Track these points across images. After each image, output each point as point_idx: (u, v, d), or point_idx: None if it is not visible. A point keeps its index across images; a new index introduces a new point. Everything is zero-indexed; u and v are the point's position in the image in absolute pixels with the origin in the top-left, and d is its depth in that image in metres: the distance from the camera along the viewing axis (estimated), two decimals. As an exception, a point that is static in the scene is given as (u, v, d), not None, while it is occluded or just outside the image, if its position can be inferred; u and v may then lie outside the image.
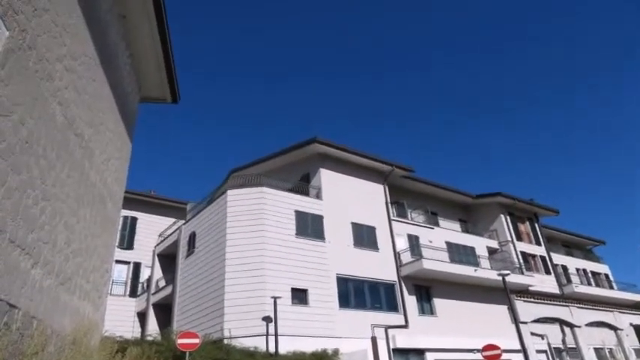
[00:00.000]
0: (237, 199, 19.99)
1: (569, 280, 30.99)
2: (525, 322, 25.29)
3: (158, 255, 25.57)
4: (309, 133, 70.00)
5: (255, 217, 19.42)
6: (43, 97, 4.34)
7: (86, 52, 5.47)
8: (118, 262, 24.36)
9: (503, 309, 24.70)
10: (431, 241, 24.77)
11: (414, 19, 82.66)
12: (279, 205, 20.16)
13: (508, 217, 30.18)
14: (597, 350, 28.90)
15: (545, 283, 28.60)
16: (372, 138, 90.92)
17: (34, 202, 4.39)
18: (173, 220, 26.43)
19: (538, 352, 23.57)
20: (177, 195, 59.63)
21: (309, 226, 20.50)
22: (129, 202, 20.73)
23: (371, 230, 22.71)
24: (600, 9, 75.31)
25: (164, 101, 8.90)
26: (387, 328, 19.90)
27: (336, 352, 16.49)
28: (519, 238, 29.83)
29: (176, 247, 23.37)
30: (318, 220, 20.99)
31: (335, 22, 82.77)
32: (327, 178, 22.68)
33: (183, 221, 23.91)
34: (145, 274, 25.89)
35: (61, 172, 5.07)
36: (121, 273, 25.36)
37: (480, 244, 27.73)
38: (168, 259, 25.00)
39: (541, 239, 31.56)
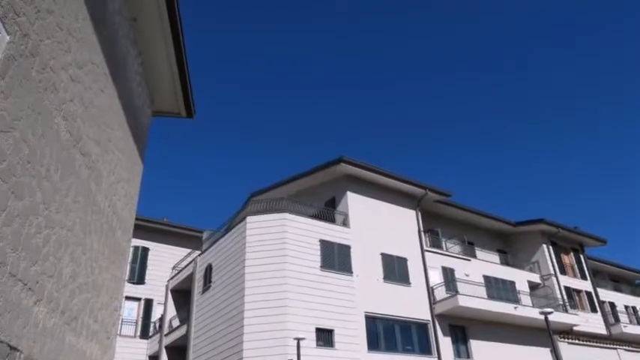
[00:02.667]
0: (258, 227, 19.93)
1: (617, 319, 30.34)
2: (570, 368, 24.81)
3: (171, 290, 25.59)
4: (334, 153, 70.11)
5: (276, 248, 19.33)
6: (46, 111, 4.30)
7: (93, 60, 5.46)
8: (127, 298, 24.47)
9: (545, 352, 24.23)
10: (467, 275, 24.60)
11: (456, 31, 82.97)
12: (302, 233, 20.08)
13: (551, 248, 29.92)
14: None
15: (591, 322, 28.16)
16: (399, 159, 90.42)
17: (36, 231, 4.30)
18: (188, 250, 26.51)
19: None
20: (193, 222, 60.29)
21: (336, 258, 20.35)
22: (139, 231, 20.90)
23: (402, 262, 22.48)
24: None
25: (178, 115, 8.90)
26: (420, 374, 19.66)
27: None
28: (563, 272, 29.51)
29: (191, 281, 23.37)
30: (345, 250, 20.81)
31: (362, 34, 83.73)
32: (354, 202, 22.60)
33: (199, 252, 23.95)
34: (157, 313, 25.90)
35: (66, 197, 5.00)
36: (132, 311, 25.41)
37: (521, 278, 27.56)
38: (182, 294, 25.00)
39: (587, 272, 31.16)
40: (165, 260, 26.86)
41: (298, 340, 15.81)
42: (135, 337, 25.18)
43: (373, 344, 19.55)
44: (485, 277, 25.46)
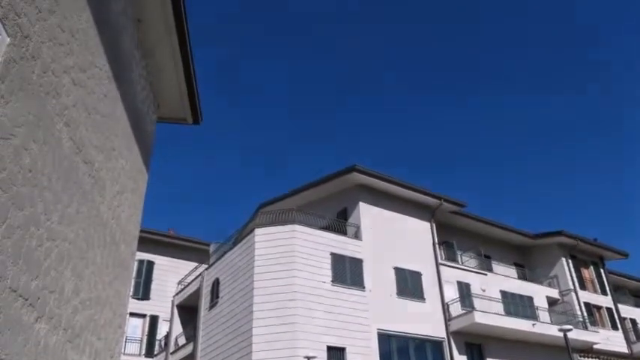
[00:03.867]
0: (266, 239, 19.91)
1: (638, 337, 30.14)
2: (590, 389, 24.64)
3: (177, 306, 25.58)
4: (344, 162, 69.97)
5: (286, 261, 19.29)
6: (48, 117, 4.26)
7: (96, 63, 5.45)
8: (132, 315, 24.47)
9: (564, 372, 24.01)
10: (484, 290, 24.56)
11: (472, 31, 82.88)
12: (313, 245, 20.05)
13: (570, 261, 29.81)
14: None
15: (612, 340, 27.97)
16: (409, 170, 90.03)
17: (38, 243, 4.26)
18: (194, 264, 26.53)
19: None
20: (199, 235, 60.34)
21: (347, 272, 20.28)
22: (144, 244, 20.93)
23: (416, 276, 22.39)
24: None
25: (184, 122, 8.89)
26: (436, 397, 19.59)
27: None
28: (583, 287, 29.40)
29: (198, 296, 23.34)
30: (357, 264, 20.74)
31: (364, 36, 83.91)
32: (367, 214, 22.58)
33: (206, 265, 23.94)
34: (162, 330, 25.88)
35: (69, 207, 4.96)
36: (136, 328, 25.43)
37: (539, 293, 27.53)
38: (189, 311, 24.98)
39: (607, 288, 30.99)
40: (170, 275, 26.89)
41: (309, 359, 15.76)
42: (140, 355, 25.16)
43: (386, 364, 19.44)
44: (503, 292, 25.45)
